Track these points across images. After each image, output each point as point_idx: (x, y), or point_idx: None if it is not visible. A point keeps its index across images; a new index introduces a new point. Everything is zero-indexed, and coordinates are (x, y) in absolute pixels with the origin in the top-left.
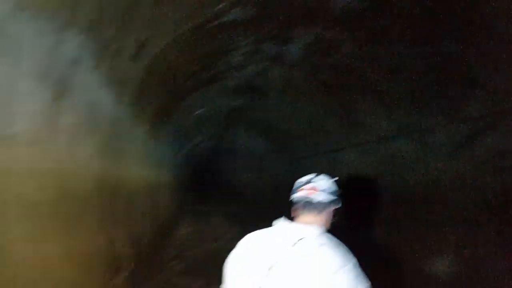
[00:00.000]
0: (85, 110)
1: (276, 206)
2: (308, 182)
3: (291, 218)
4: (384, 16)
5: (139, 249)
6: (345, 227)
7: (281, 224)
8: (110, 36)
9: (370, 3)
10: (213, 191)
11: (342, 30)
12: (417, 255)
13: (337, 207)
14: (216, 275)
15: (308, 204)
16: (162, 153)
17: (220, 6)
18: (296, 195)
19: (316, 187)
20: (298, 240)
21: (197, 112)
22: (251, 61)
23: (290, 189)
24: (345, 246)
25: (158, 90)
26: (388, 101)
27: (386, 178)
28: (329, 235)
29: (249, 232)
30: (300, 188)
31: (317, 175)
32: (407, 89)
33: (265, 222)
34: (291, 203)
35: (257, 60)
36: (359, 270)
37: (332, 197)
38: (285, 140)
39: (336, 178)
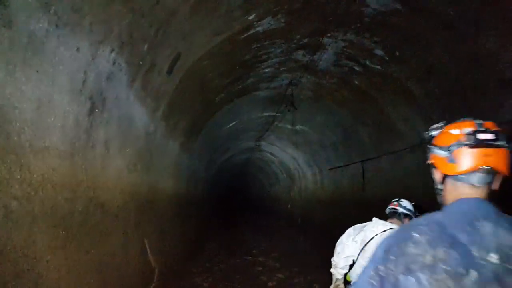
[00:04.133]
0: (118, 124)
1: (307, 218)
2: (396, 200)
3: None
4: (417, 18)
5: (170, 261)
6: None
7: (375, 220)
8: (143, 50)
9: (401, 6)
10: (245, 204)
11: (373, 35)
12: None
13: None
14: None
15: (394, 213)
16: (194, 166)
17: (251, 17)
18: (388, 208)
19: (399, 204)
20: (382, 231)
21: (230, 125)
22: (283, 70)
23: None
24: None
25: (191, 103)
26: (423, 106)
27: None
28: None
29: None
30: (391, 204)
31: (400, 199)
32: (442, 91)
33: (300, 234)
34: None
35: (289, 69)
36: None
37: (407, 212)
38: (316, 150)
39: (413, 203)
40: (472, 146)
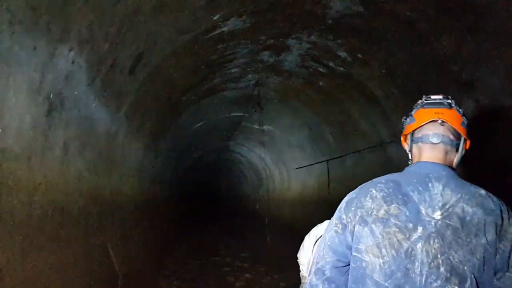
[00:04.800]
0: (78, 125)
1: (276, 218)
2: None
3: None
4: (378, 20)
5: (135, 266)
6: None
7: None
8: (104, 50)
9: (363, 8)
10: (213, 205)
11: (336, 37)
12: None
13: None
14: None
15: None
16: (161, 167)
17: (216, 17)
18: None
19: None
20: None
21: (197, 125)
22: (248, 71)
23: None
24: None
25: (156, 103)
26: (384, 106)
27: None
28: None
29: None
30: None
31: None
32: (401, 92)
33: (267, 234)
34: None
35: (256, 70)
36: None
37: None
38: (283, 150)
39: None
40: (426, 106)
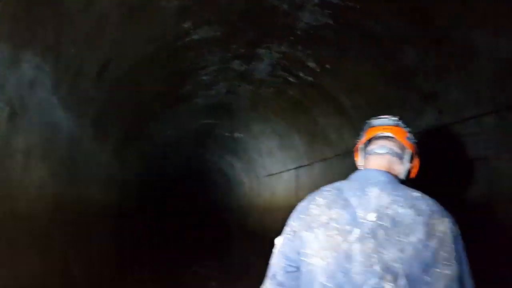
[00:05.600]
0: (41, 132)
1: (245, 225)
2: None
3: None
4: (346, 32)
5: (99, 278)
6: None
7: None
8: (70, 55)
9: (332, 21)
10: (183, 212)
11: (305, 48)
12: None
13: None
14: None
15: None
16: (129, 175)
17: (187, 25)
18: None
19: None
20: None
21: (167, 133)
22: (219, 79)
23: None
24: None
25: (125, 111)
26: (351, 117)
27: None
28: None
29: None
30: None
31: None
32: (368, 104)
33: (236, 242)
34: None
35: (226, 78)
36: None
37: None
38: (254, 158)
39: None
40: (375, 123)
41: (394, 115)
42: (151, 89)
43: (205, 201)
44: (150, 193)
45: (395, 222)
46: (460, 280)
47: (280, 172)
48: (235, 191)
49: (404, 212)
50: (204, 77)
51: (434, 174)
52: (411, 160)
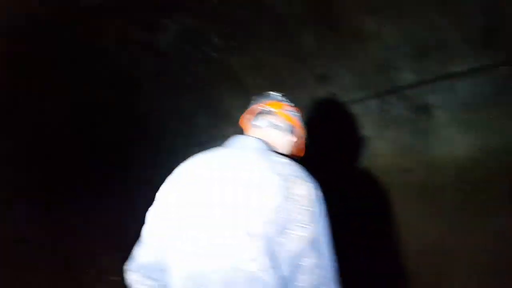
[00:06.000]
0: None
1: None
2: None
3: None
4: (251, 10)
5: None
6: None
7: None
8: None
9: None
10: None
11: (210, 23)
12: None
13: None
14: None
15: None
16: None
17: None
18: None
19: None
20: None
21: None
22: (121, 48)
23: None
24: None
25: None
26: (253, 96)
27: None
28: None
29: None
30: None
31: None
32: (268, 83)
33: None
34: None
35: (128, 49)
36: None
37: None
38: (157, 132)
39: None
40: (260, 99)
41: (292, 95)
42: (44, 57)
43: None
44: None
45: (255, 186)
46: (317, 242)
47: (185, 147)
48: (136, 165)
49: (265, 177)
50: (104, 46)
51: (328, 149)
52: (294, 134)
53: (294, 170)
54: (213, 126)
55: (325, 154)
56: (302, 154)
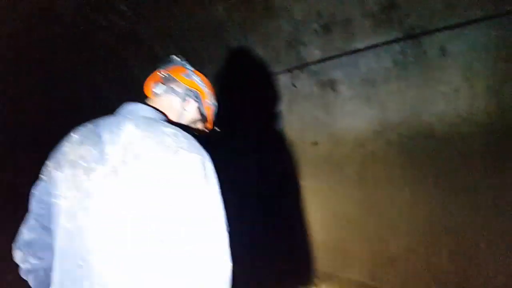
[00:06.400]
0: None
1: None
2: None
3: None
4: None
5: None
6: None
7: None
8: None
9: None
10: None
11: None
12: None
13: None
14: None
15: None
16: None
17: None
18: None
19: None
20: None
21: None
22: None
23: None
24: None
25: None
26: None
27: None
28: None
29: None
30: None
31: None
32: (182, 53)
33: None
34: None
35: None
36: None
37: None
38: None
39: None
40: (159, 65)
41: (202, 66)
42: None
43: None
44: None
45: (138, 158)
46: (202, 214)
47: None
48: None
49: (150, 148)
50: None
51: (251, 121)
52: (196, 99)
53: (182, 141)
54: (126, 100)
55: (241, 126)
56: (211, 121)
